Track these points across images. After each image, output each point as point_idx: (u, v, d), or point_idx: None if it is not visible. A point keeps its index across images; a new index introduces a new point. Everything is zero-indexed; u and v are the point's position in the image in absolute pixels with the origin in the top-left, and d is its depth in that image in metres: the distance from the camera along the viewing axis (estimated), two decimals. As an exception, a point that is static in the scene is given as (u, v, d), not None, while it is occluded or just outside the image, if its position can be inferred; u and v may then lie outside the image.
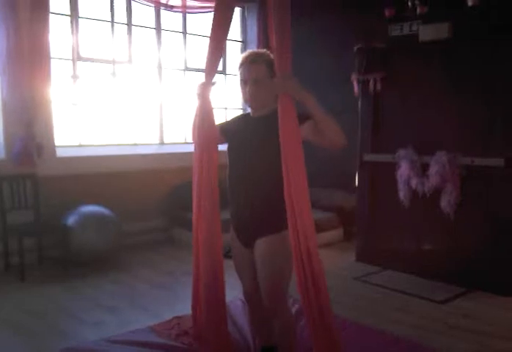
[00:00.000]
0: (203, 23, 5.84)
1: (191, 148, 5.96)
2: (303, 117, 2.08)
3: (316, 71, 5.63)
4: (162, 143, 5.63)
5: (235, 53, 6.24)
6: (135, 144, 5.40)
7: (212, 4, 5.38)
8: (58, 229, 4.24)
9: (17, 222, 4.20)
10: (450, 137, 3.85)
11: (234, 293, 2.52)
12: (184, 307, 3.29)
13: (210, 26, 2.29)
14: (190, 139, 5.79)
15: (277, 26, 2.04)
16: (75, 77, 4.85)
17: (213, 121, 2.30)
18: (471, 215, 3.76)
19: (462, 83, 3.78)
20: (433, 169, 3.84)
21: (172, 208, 5.36)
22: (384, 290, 3.78)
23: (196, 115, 2.34)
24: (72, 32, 4.79)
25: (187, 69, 5.75)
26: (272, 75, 2.15)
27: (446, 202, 3.80)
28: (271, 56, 2.20)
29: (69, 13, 4.75)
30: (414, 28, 3.98)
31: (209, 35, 2.30)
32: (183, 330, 2.84)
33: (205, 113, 2.28)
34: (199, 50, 5.87)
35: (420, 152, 3.96)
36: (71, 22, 4.77)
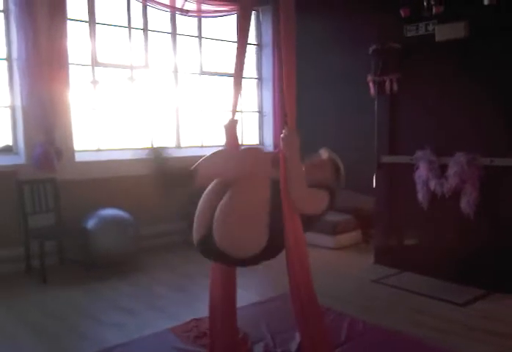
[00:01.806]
0: (218, 27, 5.88)
1: (207, 152, 5.98)
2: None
3: (331, 72, 5.61)
4: (179, 146, 5.67)
5: (249, 56, 6.27)
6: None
7: (227, 8, 5.50)
8: (78, 232, 4.30)
9: (38, 226, 4.28)
10: (469, 137, 3.81)
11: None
12: (202, 309, 3.31)
13: (236, 32, 2.40)
14: (206, 143, 5.87)
15: (283, 36, 2.13)
16: (94, 82, 4.92)
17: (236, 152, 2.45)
18: (491, 216, 3.71)
19: (480, 82, 3.73)
20: (451, 170, 3.80)
21: (189, 211, 5.37)
22: (403, 293, 3.75)
23: (224, 150, 2.51)
24: (90, 38, 4.86)
25: (203, 73, 5.78)
26: None
27: (465, 203, 3.75)
28: None
29: (86, 19, 4.82)
30: (430, 28, 3.96)
31: (236, 40, 2.45)
32: (201, 332, 2.86)
33: (230, 143, 2.47)
34: (215, 54, 5.91)
35: (438, 153, 3.93)
36: (89, 28, 4.84)
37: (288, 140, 2.11)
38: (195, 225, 2.26)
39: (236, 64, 2.45)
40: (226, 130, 2.51)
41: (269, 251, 2.16)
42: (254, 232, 2.10)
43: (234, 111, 2.52)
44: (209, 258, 2.29)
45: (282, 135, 2.14)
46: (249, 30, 2.46)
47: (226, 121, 2.52)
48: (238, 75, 2.49)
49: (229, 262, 2.22)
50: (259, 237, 2.11)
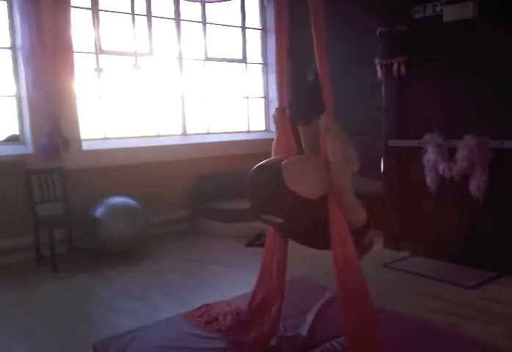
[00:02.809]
0: (222, 12, 5.82)
1: (213, 138, 5.95)
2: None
3: (338, 55, 5.51)
4: (185, 134, 5.65)
5: (254, 41, 6.21)
6: (158, 136, 5.43)
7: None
8: (87, 220, 4.33)
9: (47, 215, 4.30)
10: (478, 120, 3.76)
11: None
12: (212, 294, 3.36)
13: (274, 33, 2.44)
14: (212, 130, 5.85)
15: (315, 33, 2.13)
16: (98, 70, 4.88)
17: (291, 142, 2.44)
18: (501, 199, 3.69)
19: (489, 63, 3.68)
20: (460, 153, 3.76)
21: (196, 198, 5.40)
22: (413, 277, 3.75)
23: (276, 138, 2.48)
24: (93, 25, 4.81)
25: (207, 59, 5.74)
26: None
27: (475, 187, 3.72)
28: None
29: (89, 6, 4.77)
30: (438, 9, 3.90)
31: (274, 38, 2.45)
32: (212, 317, 2.86)
33: (281, 134, 2.44)
34: (219, 39, 5.85)
35: (447, 136, 3.89)
36: (92, 15, 4.80)
37: (327, 125, 2.11)
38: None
39: (277, 63, 2.45)
40: (276, 118, 2.47)
41: (316, 213, 2.12)
42: (318, 180, 2.14)
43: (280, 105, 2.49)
44: (257, 185, 2.25)
45: (322, 123, 2.13)
46: (287, 29, 2.41)
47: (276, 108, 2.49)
48: (280, 72, 2.45)
49: (276, 196, 2.15)
50: (319, 187, 2.13)
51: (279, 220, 2.18)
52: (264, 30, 6.25)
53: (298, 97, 2.41)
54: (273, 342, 2.53)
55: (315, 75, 2.22)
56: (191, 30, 5.64)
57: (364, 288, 2.14)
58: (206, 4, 5.63)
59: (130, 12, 5.07)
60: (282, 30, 2.42)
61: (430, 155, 3.97)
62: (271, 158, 2.39)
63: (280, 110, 2.44)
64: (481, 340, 2.63)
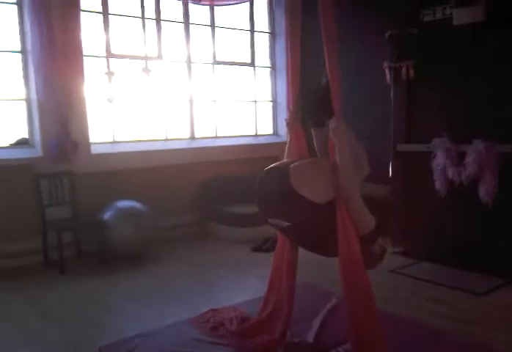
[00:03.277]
0: (231, 15, 5.83)
1: (222, 142, 5.96)
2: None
3: (346, 58, 5.49)
4: (193, 138, 5.66)
5: (263, 45, 6.21)
6: (166, 139, 5.44)
7: (239, -4, 5.40)
8: (95, 224, 4.34)
9: (55, 218, 4.31)
10: (488, 124, 3.73)
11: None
12: (219, 299, 3.34)
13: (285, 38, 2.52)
14: (220, 133, 5.85)
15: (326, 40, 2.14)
16: (109, 74, 4.90)
17: (303, 145, 2.48)
18: (510, 204, 3.64)
19: (499, 67, 3.65)
20: (469, 158, 3.74)
21: (204, 202, 5.39)
22: (420, 282, 3.71)
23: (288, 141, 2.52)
24: (104, 29, 4.84)
25: (216, 62, 5.74)
26: None
27: (484, 191, 3.69)
28: None
29: (100, 10, 4.80)
30: (448, 12, 3.88)
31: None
32: (218, 322, 2.86)
33: (293, 137, 2.48)
34: (228, 43, 5.85)
35: (456, 140, 3.86)
36: (102, 19, 4.82)
37: (337, 130, 2.13)
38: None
39: (290, 67, 2.46)
40: (288, 122, 2.50)
41: (322, 217, 2.12)
42: (325, 184, 2.14)
43: (293, 109, 2.50)
44: (265, 188, 2.28)
45: (330, 126, 2.15)
46: (300, 31, 2.43)
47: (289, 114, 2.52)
48: (293, 75, 2.47)
49: (284, 200, 2.17)
50: (326, 191, 2.13)
51: (286, 224, 2.16)
52: (272, 33, 6.24)
53: (311, 100, 2.41)
54: (279, 349, 2.51)
55: (327, 78, 2.22)
56: (199, 34, 5.65)
57: (368, 288, 2.13)
58: (215, 7, 5.64)
59: (140, 16, 5.10)
60: (294, 32, 2.41)
61: (439, 160, 3.94)
62: (281, 161, 2.41)
63: (293, 113, 2.46)
64: (490, 346, 2.61)
